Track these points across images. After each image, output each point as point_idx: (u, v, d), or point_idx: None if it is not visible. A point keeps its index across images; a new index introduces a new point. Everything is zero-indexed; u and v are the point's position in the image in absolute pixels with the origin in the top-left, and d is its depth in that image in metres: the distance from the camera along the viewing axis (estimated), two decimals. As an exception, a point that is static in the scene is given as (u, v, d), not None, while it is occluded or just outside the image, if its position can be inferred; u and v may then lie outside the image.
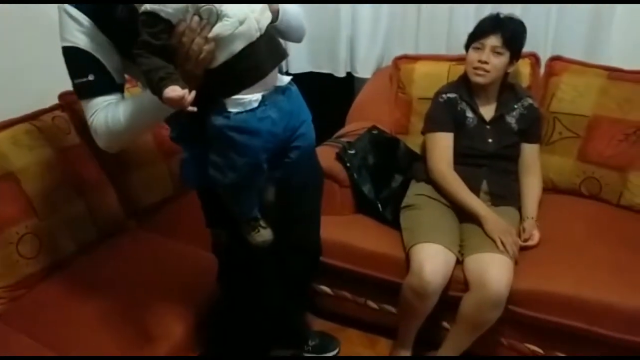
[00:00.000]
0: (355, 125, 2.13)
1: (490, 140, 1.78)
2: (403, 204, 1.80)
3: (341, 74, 2.56)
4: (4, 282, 1.45)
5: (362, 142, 1.96)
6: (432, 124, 1.83)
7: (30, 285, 1.51)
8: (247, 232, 1.20)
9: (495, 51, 1.70)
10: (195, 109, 0.95)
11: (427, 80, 2.09)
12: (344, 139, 2.00)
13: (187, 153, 1.25)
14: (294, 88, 1.20)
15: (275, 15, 1.17)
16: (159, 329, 1.38)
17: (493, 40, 1.69)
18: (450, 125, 1.79)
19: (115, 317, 1.40)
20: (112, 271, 1.59)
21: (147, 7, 0.93)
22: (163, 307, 1.44)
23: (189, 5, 0.94)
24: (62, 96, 1.77)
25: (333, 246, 1.76)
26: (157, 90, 0.93)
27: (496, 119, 1.79)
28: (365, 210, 1.90)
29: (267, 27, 1.05)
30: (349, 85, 2.63)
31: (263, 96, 1.06)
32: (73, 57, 1.05)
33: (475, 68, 1.73)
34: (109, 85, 1.08)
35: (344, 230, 1.82)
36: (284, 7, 1.21)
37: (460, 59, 2.12)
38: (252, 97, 1.04)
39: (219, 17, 0.96)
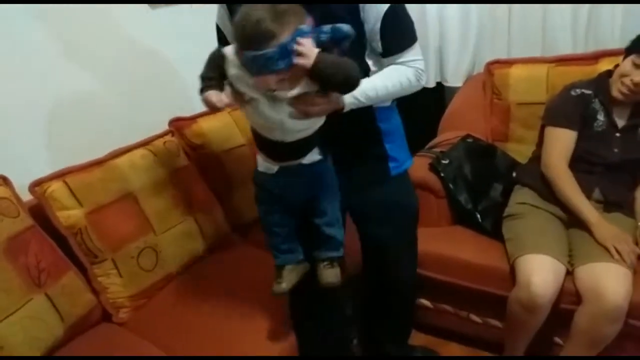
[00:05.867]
0: (448, 134, 2.10)
1: (616, 149, 1.65)
2: (505, 214, 1.74)
3: (431, 84, 2.55)
4: (128, 293, 1.58)
5: (456, 151, 1.92)
6: (557, 118, 1.70)
7: (150, 295, 1.64)
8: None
9: None
10: None
11: (525, 84, 2.02)
12: (437, 149, 1.98)
13: None
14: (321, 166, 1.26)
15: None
16: (252, 326, 1.49)
17: None
18: (577, 122, 1.66)
19: (220, 320, 1.51)
20: (219, 281, 1.69)
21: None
22: (259, 311, 1.53)
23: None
24: (172, 122, 1.92)
25: (431, 258, 1.74)
26: None
27: (629, 127, 1.65)
28: (463, 221, 1.86)
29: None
30: (439, 95, 2.60)
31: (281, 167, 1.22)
32: (217, 31, 1.30)
33: (624, 84, 1.58)
34: None
35: (442, 242, 1.80)
36: (365, 95, 1.22)
37: (559, 60, 2.03)
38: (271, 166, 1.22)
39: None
